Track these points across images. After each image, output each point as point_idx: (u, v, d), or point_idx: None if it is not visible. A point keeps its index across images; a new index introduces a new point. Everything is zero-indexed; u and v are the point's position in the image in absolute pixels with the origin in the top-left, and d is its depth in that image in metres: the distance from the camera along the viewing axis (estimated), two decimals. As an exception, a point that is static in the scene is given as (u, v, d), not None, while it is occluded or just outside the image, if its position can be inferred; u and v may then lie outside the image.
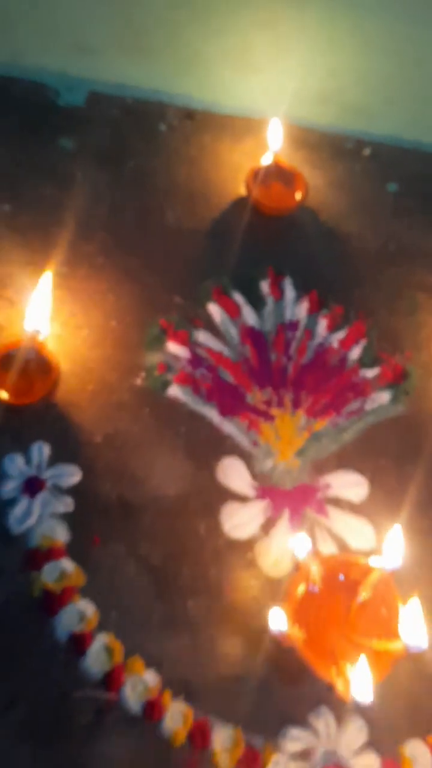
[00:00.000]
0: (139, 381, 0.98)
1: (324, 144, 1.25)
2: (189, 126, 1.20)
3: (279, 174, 1.15)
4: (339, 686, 0.77)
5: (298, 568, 0.85)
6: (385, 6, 1.11)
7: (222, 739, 0.80)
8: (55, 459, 0.91)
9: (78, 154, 1.14)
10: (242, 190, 1.15)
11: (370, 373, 1.06)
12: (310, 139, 1.24)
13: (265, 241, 1.12)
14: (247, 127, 1.22)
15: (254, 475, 0.96)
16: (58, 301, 0.98)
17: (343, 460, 0.99)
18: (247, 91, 1.20)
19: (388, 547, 0.82)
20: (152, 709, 0.80)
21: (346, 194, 1.21)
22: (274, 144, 1.14)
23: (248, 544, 0.91)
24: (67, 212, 1.08)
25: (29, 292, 0.97)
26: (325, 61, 1.18)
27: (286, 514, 0.94)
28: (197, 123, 1.21)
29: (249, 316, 1.06)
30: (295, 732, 0.81)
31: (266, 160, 1.15)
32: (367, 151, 1.26)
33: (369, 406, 1.03)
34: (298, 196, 1.14)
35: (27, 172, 1.10)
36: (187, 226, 1.11)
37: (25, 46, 1.15)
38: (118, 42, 1.15)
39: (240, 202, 1.15)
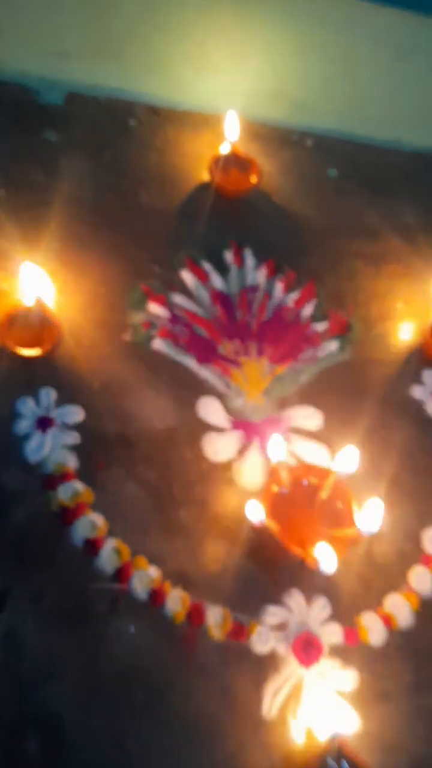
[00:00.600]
0: (127, 337, 1.15)
1: (273, 136, 1.44)
2: (155, 121, 1.38)
3: (236, 161, 1.33)
4: (308, 562, 0.96)
5: (271, 474, 1.04)
6: (322, 19, 1.31)
7: (214, 617, 0.98)
8: (60, 401, 1.07)
9: (61, 146, 1.30)
10: (205, 176, 1.33)
11: (320, 326, 1.26)
12: (262, 132, 1.43)
13: (227, 218, 1.31)
14: (206, 121, 1.40)
15: (228, 411, 1.14)
16: (54, 272, 1.14)
17: (301, 397, 1.18)
18: (206, 90, 1.38)
19: (342, 458, 1.01)
20: (156, 596, 0.97)
21: (294, 178, 1.41)
22: (231, 135, 1.32)
23: (227, 466, 1.09)
24: (56, 195, 1.24)
25: (27, 264, 1.13)
26: (273, 65, 1.37)
27: (256, 441, 1.12)
28: (162, 118, 1.38)
29: (217, 281, 1.24)
30: (272, 609, 1.00)
31: (225, 149, 1.33)
32: (309, 142, 1.46)
33: (320, 353, 1.23)
34: (253, 180, 1.32)
35: (17, 161, 1.25)
36: (160, 206, 1.29)
37: (10, 53, 1.30)
38: (92, 48, 1.32)
39: (204, 186, 1.33)
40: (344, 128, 1.49)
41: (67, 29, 1.29)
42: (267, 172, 1.37)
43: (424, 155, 1.53)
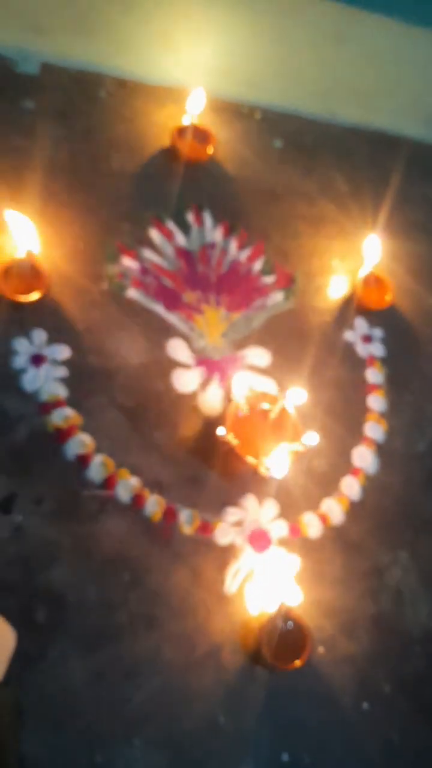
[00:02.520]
0: (105, 286, 1.33)
1: (227, 109, 1.61)
2: (123, 93, 1.53)
3: (195, 132, 1.50)
4: (261, 469, 1.19)
5: (231, 400, 1.26)
6: (271, 6, 1.48)
7: (185, 516, 1.20)
8: (50, 341, 1.24)
9: (37, 113, 1.43)
10: (168, 144, 1.49)
11: (269, 279, 1.47)
12: (217, 105, 1.60)
13: (188, 182, 1.48)
14: (169, 94, 1.56)
15: (193, 351, 1.34)
16: (38, 229, 1.30)
17: (253, 340, 1.39)
18: (169, 66, 1.54)
19: (293, 394, 1.23)
20: (137, 500, 1.18)
21: (245, 148, 1.59)
22: (191, 108, 1.49)
23: (192, 396, 1.30)
24: (35, 159, 1.38)
25: (14, 222, 1.29)
26: (228, 45, 1.54)
27: (216, 376, 1.33)
28: (129, 91, 1.54)
29: (180, 238, 1.43)
30: (231, 510, 1.23)
31: (185, 121, 1.50)
32: (258, 115, 1.65)
33: (269, 302, 1.44)
34: (211, 149, 1.50)
35: (-1, 127, 1.39)
36: (129, 170, 1.45)
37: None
38: (66, 24, 1.45)
39: (167, 153, 1.49)
40: (288, 104, 1.67)
41: (42, 6, 1.41)
42: (222, 141, 1.54)
43: (355, 129, 1.74)
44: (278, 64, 1.60)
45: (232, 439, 1.18)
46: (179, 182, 1.47)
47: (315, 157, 1.65)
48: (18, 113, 1.42)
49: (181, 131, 1.48)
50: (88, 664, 1.04)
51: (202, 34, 1.50)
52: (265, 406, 1.25)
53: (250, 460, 1.18)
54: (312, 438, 1.20)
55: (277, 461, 1.17)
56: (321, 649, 1.17)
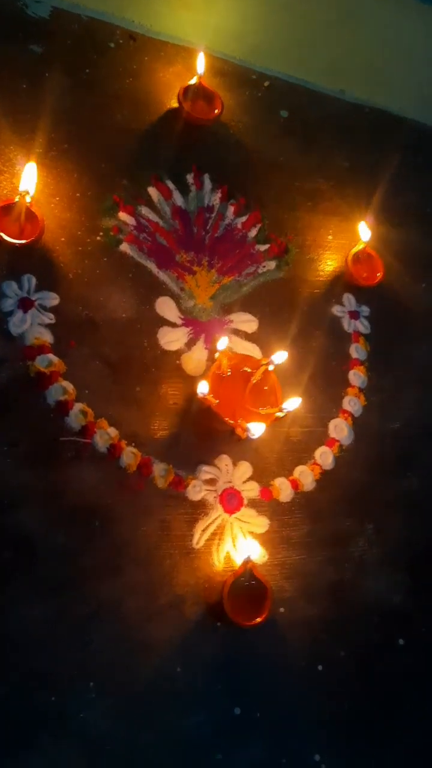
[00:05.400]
0: (98, 238, 1.33)
1: (235, 73, 1.60)
2: (132, 46, 1.51)
3: (202, 93, 1.49)
4: (238, 430, 1.21)
5: (215, 360, 1.27)
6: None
7: (159, 470, 1.21)
8: (40, 287, 1.24)
9: (44, 59, 1.41)
10: (174, 103, 1.48)
11: (262, 247, 1.47)
12: (225, 68, 1.59)
13: (190, 143, 1.47)
14: (178, 52, 1.54)
15: (181, 310, 1.35)
16: (36, 174, 1.29)
17: (242, 305, 1.40)
18: (180, 23, 1.52)
19: (275, 356, 1.24)
20: (114, 450, 1.19)
21: (250, 114, 1.58)
22: (199, 68, 1.48)
23: (177, 354, 1.31)
24: (39, 104, 1.36)
25: (14, 164, 1.28)
26: (240, 8, 1.52)
27: (202, 337, 1.34)
28: (139, 44, 1.52)
29: (178, 198, 1.43)
30: (205, 468, 1.24)
31: (192, 80, 1.49)
32: (267, 83, 1.64)
33: (261, 270, 1.45)
34: (216, 112, 1.49)
35: (4, 68, 1.37)
36: (132, 126, 1.44)
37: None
38: (79, -31, 1.43)
39: (172, 112, 1.48)
40: (297, 74, 1.66)
41: None
42: (227, 105, 1.53)
43: (362, 106, 1.74)
44: (292, 33, 1.59)
45: (212, 399, 1.20)
46: (181, 142, 1.46)
47: (319, 130, 1.65)
48: (25, 56, 1.40)
49: (188, 90, 1.47)
50: (49, 606, 1.06)
51: (217, -6, 1.48)
52: (248, 368, 1.26)
53: (227, 420, 1.19)
54: (294, 403, 1.21)
55: (254, 423, 1.18)
56: (281, 610, 1.20)
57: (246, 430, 1.17)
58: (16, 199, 1.23)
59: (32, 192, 1.25)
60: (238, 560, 1.18)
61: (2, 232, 1.21)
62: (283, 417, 1.23)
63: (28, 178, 1.24)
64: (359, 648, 1.23)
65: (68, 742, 1.02)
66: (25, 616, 1.05)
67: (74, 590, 1.09)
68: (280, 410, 1.21)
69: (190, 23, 1.53)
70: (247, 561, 1.15)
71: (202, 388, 1.18)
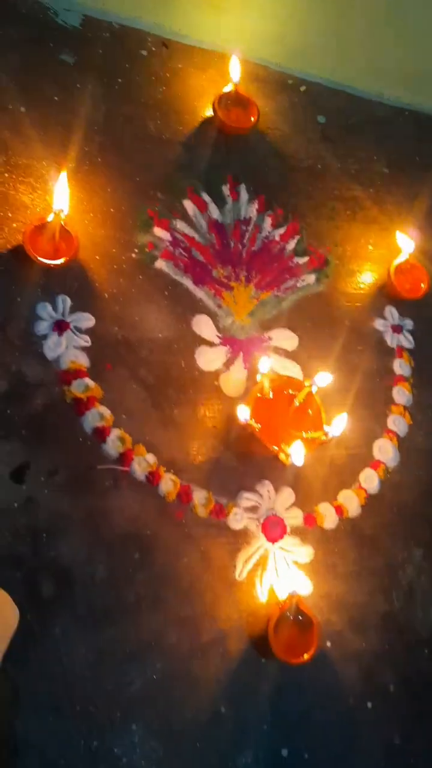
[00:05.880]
0: (133, 255, 1.28)
1: (272, 78, 1.55)
2: (165, 53, 1.47)
3: (238, 100, 1.44)
4: (281, 457, 1.16)
5: (256, 382, 1.22)
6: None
7: (199, 498, 1.17)
8: (75, 308, 1.20)
9: (77, 68, 1.37)
10: (208, 111, 1.43)
11: (301, 260, 1.42)
12: (262, 74, 1.54)
13: (226, 153, 1.43)
14: (212, 58, 1.49)
15: (219, 328, 1.30)
16: (69, 190, 1.25)
17: (281, 321, 1.35)
18: (214, 29, 1.47)
19: (318, 378, 1.19)
20: (152, 478, 1.15)
21: (287, 121, 1.53)
22: (234, 75, 1.43)
23: (215, 375, 1.26)
24: (70, 116, 1.33)
25: (47, 180, 1.24)
26: (277, 11, 1.47)
27: (240, 356, 1.29)
28: (172, 51, 1.47)
29: (214, 211, 1.38)
30: (247, 495, 1.19)
31: (227, 87, 1.44)
32: (303, 88, 1.58)
33: (300, 284, 1.40)
34: (252, 119, 1.44)
35: (37, 80, 1.33)
36: (166, 136, 1.39)
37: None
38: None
39: (206, 120, 1.43)
40: (336, 78, 1.60)
41: None
42: (264, 112, 1.48)
43: (402, 111, 1.67)
44: (330, 36, 1.53)
45: (254, 424, 1.15)
46: (217, 152, 1.42)
47: (358, 136, 1.59)
48: (56, 65, 1.36)
49: (223, 98, 1.42)
50: (90, 644, 1.02)
51: (252, -3, 1.43)
52: (290, 390, 1.21)
53: (271, 446, 1.14)
54: (337, 427, 1.16)
55: (299, 449, 1.13)
56: (328, 644, 1.15)
57: (289, 456, 1.12)
58: (50, 218, 1.19)
59: (66, 210, 1.20)
60: (283, 592, 1.13)
61: (36, 252, 1.17)
62: (327, 440, 1.18)
63: (62, 196, 1.20)
64: (410, 682, 1.18)
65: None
66: (67, 656, 1.01)
67: (115, 626, 1.05)
68: (324, 434, 1.16)
69: (223, 28, 1.48)
70: (293, 596, 1.10)
71: (243, 413, 1.13)
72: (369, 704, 1.14)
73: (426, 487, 1.33)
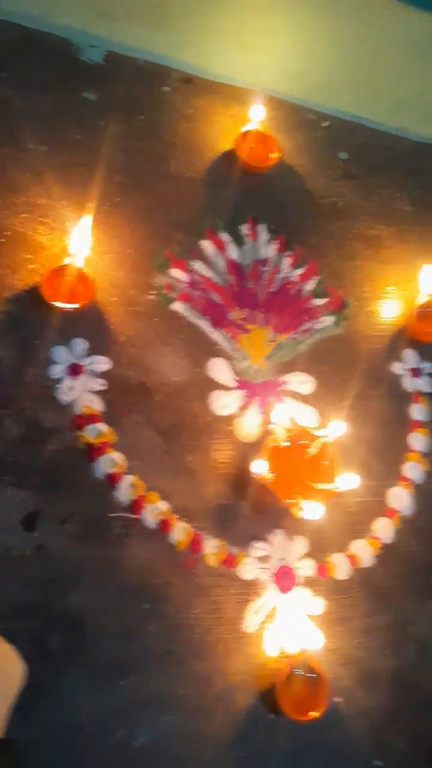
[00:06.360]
0: (151, 297, 1.28)
1: (292, 114, 1.54)
2: (188, 89, 1.46)
3: (259, 138, 1.43)
4: (294, 510, 1.14)
5: (270, 433, 1.21)
6: (351, 10, 1.39)
7: (211, 546, 1.16)
8: (91, 351, 1.20)
9: (99, 106, 1.37)
10: (230, 148, 1.42)
11: (320, 301, 1.40)
12: (282, 108, 1.53)
13: (246, 192, 1.41)
14: (235, 94, 1.48)
15: (235, 372, 1.29)
16: (88, 231, 1.25)
17: (298, 365, 1.34)
18: (237, 65, 1.46)
19: (332, 427, 1.17)
20: (164, 526, 1.14)
21: (308, 158, 1.51)
22: (257, 113, 1.42)
23: (229, 419, 1.25)
24: (92, 156, 1.32)
25: (65, 221, 1.24)
26: (300, 47, 1.46)
27: (256, 401, 1.28)
28: (195, 87, 1.46)
29: (233, 251, 1.37)
30: (259, 544, 1.18)
31: (250, 125, 1.43)
32: (325, 123, 1.56)
33: (318, 326, 1.38)
34: (274, 157, 1.43)
35: (59, 118, 1.32)
36: (187, 174, 1.39)
37: (56, 5, 1.35)
38: (134, 11, 1.38)
39: (228, 158, 1.42)
40: (358, 113, 1.59)
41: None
42: (285, 149, 1.47)
43: (428, 145, 1.65)
44: (353, 71, 1.51)
45: (268, 476, 1.13)
46: (238, 191, 1.40)
47: (381, 173, 1.57)
48: (78, 104, 1.36)
49: (245, 136, 1.41)
50: (98, 697, 1.02)
51: (276, 33, 1.42)
52: (305, 440, 1.20)
53: (284, 500, 1.13)
54: (352, 481, 1.15)
55: (312, 504, 1.12)
56: (339, 700, 1.13)
57: (303, 510, 1.11)
58: (67, 261, 1.18)
59: (85, 252, 1.20)
60: (293, 646, 1.12)
61: (54, 294, 1.17)
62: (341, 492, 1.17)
63: (82, 239, 1.20)
64: (422, 741, 1.16)
65: None
66: (74, 710, 1.00)
67: (123, 680, 1.04)
68: (336, 487, 1.15)
69: (247, 64, 1.47)
70: (302, 652, 1.09)
71: (258, 467, 1.12)
72: (378, 763, 1.12)
73: (441, 536, 1.31)
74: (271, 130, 1.46)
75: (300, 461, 1.18)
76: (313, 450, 1.18)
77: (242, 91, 1.48)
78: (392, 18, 1.45)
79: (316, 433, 1.20)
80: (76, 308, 1.19)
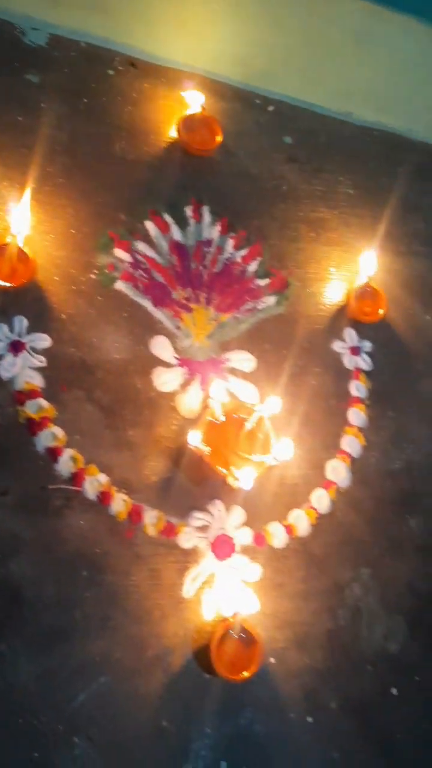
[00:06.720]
0: (93, 276, 1.30)
1: (237, 98, 1.56)
2: (132, 73, 1.48)
3: (203, 121, 1.46)
4: (230, 480, 1.19)
5: (207, 407, 1.25)
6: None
7: (150, 517, 1.19)
8: (31, 329, 1.22)
9: (42, 88, 1.38)
10: (173, 132, 1.45)
11: (262, 282, 1.44)
12: (227, 93, 1.55)
13: (190, 174, 1.44)
14: (178, 78, 1.50)
15: (177, 350, 1.32)
16: (30, 211, 1.27)
17: (239, 343, 1.37)
18: (181, 49, 1.48)
19: (268, 403, 1.21)
20: (104, 498, 1.17)
21: (252, 142, 1.54)
22: (192, 97, 1.44)
23: (171, 396, 1.29)
24: (35, 137, 1.34)
25: (6, 201, 1.26)
26: (244, 32, 1.48)
27: (198, 378, 1.32)
28: (139, 71, 1.48)
29: (176, 233, 1.40)
30: (198, 514, 1.22)
31: (193, 108, 1.45)
32: (270, 108, 1.59)
33: (260, 306, 1.42)
34: (217, 141, 1.45)
35: (1, 100, 1.34)
36: (131, 156, 1.41)
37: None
38: (79, -5, 1.40)
39: (171, 141, 1.45)
40: (302, 97, 1.62)
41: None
42: (229, 132, 1.50)
43: (370, 130, 1.69)
44: (298, 56, 1.55)
45: (203, 448, 1.17)
46: (182, 173, 1.43)
47: (325, 156, 1.60)
48: (21, 86, 1.37)
49: (188, 119, 1.44)
50: (37, 661, 1.05)
51: (220, 18, 1.44)
52: (241, 415, 1.24)
53: (219, 470, 1.17)
54: (286, 452, 1.19)
55: (246, 473, 1.16)
56: (272, 660, 1.18)
57: (237, 479, 1.15)
58: (8, 240, 1.21)
59: (25, 232, 1.22)
60: (229, 610, 1.17)
61: (-7, 275, 1.19)
62: (277, 463, 1.21)
63: (21, 218, 1.22)
64: (352, 699, 1.21)
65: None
66: (12, 672, 1.04)
67: (62, 644, 1.08)
68: (273, 458, 1.19)
69: (192, 47, 1.49)
70: (236, 615, 1.14)
71: (194, 438, 1.16)
72: (310, 719, 1.17)
73: (377, 507, 1.37)
74: (216, 114, 1.49)
75: (236, 435, 1.22)
76: (249, 424, 1.22)
77: (187, 75, 1.50)
78: (336, 5, 1.48)
79: (254, 408, 1.24)
80: (15, 287, 1.21)
